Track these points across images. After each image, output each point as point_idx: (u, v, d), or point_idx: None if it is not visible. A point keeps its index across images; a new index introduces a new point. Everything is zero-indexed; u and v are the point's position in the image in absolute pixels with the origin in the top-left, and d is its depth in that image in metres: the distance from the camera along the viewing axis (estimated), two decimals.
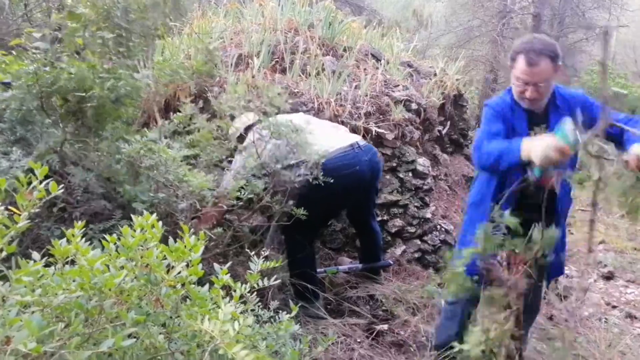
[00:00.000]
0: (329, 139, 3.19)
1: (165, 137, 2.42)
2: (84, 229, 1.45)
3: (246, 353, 1.14)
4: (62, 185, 1.50)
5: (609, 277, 5.27)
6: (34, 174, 1.39)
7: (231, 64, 4.01)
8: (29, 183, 1.41)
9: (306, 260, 3.33)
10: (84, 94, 2.08)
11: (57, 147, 1.93)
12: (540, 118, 2.49)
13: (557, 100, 2.49)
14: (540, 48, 2.33)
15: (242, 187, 2.27)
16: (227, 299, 1.40)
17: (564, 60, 2.43)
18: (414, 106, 4.80)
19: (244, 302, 1.50)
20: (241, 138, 3.27)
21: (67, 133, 2.00)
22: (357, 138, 3.36)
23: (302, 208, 2.98)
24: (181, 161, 2.12)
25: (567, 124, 2.12)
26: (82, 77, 2.00)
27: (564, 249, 2.71)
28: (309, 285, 3.21)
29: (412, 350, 3.15)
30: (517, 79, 2.41)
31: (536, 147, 2.19)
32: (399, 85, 5.00)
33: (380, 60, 5.34)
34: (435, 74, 5.93)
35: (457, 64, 6.48)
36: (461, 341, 2.74)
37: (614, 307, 4.45)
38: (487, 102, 2.69)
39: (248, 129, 3.21)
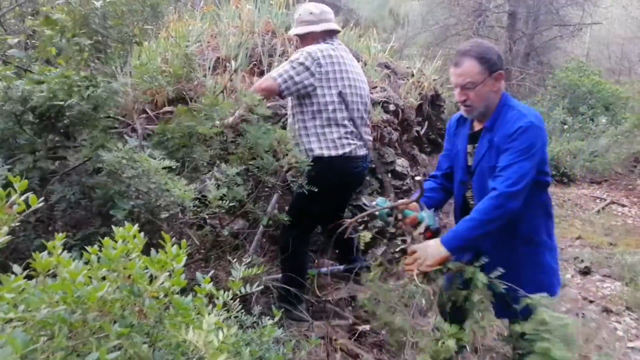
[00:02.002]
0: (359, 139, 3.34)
1: (147, 147, 2.42)
2: (64, 239, 1.45)
3: None
4: (42, 198, 1.50)
5: (585, 272, 5.39)
6: (14, 188, 1.39)
7: (209, 68, 4.01)
8: (8, 196, 1.41)
9: (302, 263, 3.40)
10: (61, 103, 2.07)
11: (36, 163, 1.92)
12: (475, 138, 2.50)
13: (493, 119, 2.39)
14: (466, 49, 2.33)
15: (224, 195, 2.27)
16: (210, 306, 1.42)
17: (499, 65, 2.33)
18: (392, 107, 4.86)
19: (227, 310, 1.52)
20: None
21: (47, 148, 1.99)
22: (367, 148, 3.47)
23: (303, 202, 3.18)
24: (163, 168, 2.11)
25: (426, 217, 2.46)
26: (54, 91, 1.99)
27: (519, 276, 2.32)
28: (292, 289, 3.24)
29: (393, 349, 3.20)
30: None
31: None
32: (376, 86, 5.05)
33: (357, 62, 5.38)
34: (412, 75, 5.99)
35: (434, 63, 6.55)
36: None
37: (591, 301, 4.56)
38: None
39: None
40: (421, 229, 2.41)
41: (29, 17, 2.97)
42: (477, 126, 2.52)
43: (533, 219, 2.41)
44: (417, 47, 14.66)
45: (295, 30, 3.37)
